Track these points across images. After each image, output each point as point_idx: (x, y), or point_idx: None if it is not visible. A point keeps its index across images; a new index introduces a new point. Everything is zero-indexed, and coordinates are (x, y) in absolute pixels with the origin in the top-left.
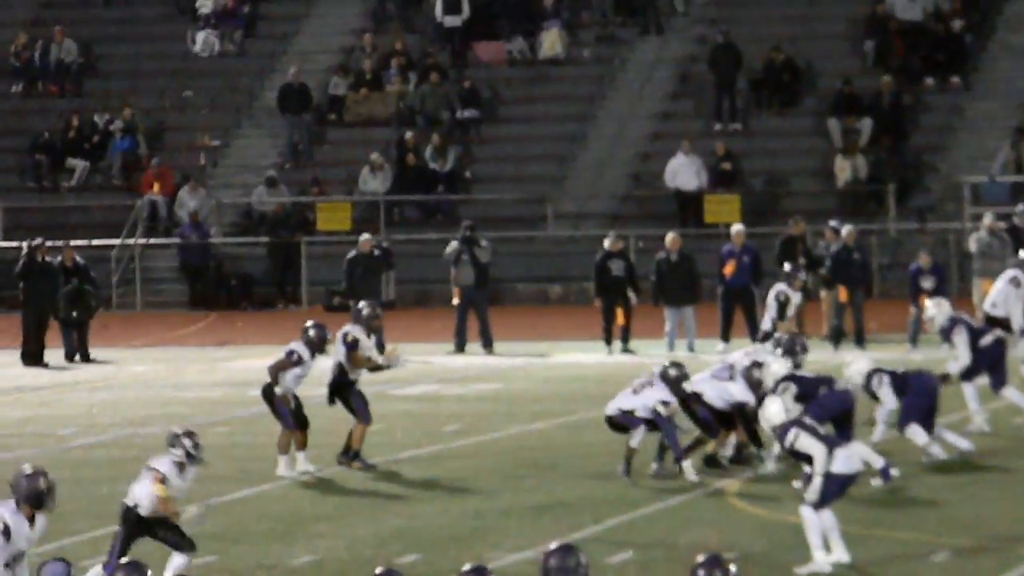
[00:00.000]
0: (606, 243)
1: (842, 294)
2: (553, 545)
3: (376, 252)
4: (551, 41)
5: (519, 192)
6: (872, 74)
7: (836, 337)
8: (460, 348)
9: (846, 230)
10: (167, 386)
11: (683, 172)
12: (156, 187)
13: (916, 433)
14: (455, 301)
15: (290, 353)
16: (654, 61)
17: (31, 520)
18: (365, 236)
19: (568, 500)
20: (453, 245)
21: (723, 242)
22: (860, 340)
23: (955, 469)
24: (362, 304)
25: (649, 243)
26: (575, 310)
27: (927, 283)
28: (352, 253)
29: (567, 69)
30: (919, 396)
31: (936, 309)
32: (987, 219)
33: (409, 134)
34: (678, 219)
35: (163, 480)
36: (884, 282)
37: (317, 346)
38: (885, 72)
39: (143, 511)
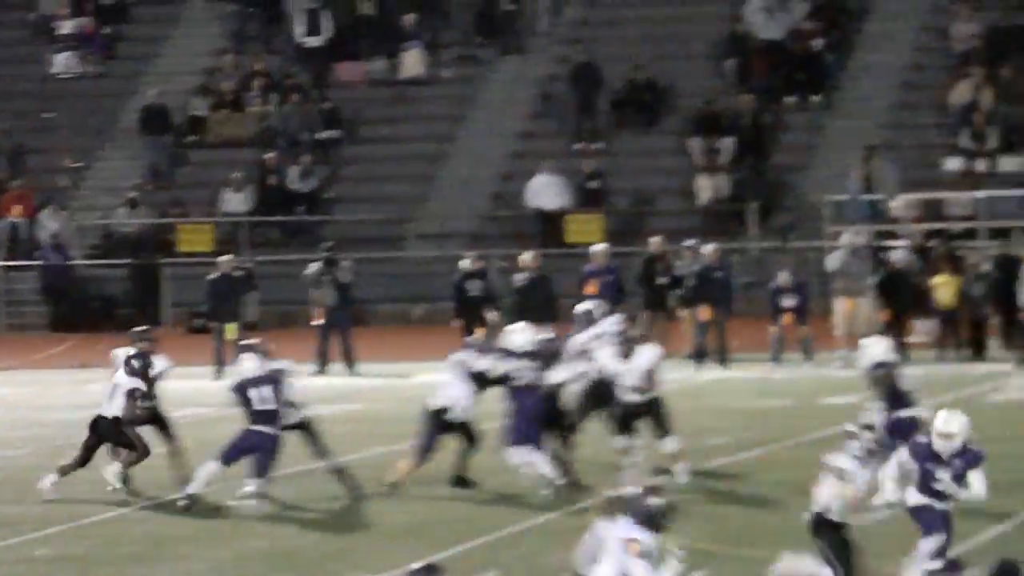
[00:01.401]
0: (463, 263)
1: (704, 313)
2: (415, 565)
3: (238, 273)
4: (412, 61)
5: (381, 212)
6: (733, 93)
7: (699, 356)
8: (322, 369)
9: (708, 249)
10: (30, 408)
11: (545, 192)
12: (17, 209)
13: None
14: (317, 322)
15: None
16: (515, 81)
17: None
18: (227, 257)
19: (431, 520)
20: (314, 266)
21: (586, 261)
22: (723, 359)
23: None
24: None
25: (512, 263)
26: (437, 330)
27: (788, 301)
28: (214, 274)
29: (428, 89)
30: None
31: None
32: (845, 238)
33: (270, 155)
34: (540, 239)
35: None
36: (746, 301)
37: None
38: (746, 91)
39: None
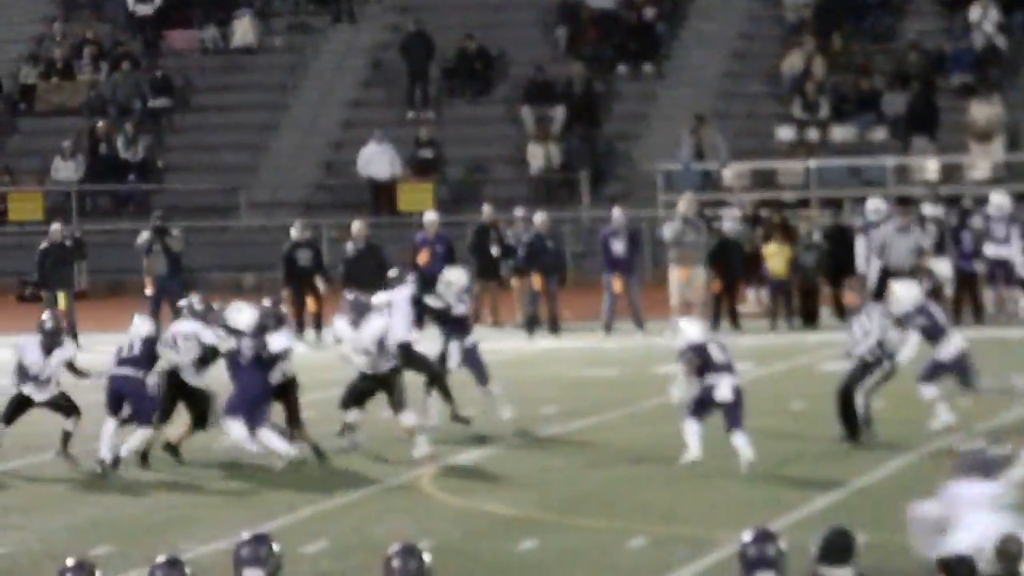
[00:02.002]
0: (293, 233)
1: (536, 282)
2: (246, 535)
3: (68, 242)
4: (243, 30)
5: (212, 181)
6: (564, 62)
7: (531, 325)
8: None
9: (539, 218)
10: None
11: (376, 160)
12: None
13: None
14: (148, 291)
15: None
16: (346, 50)
17: None
18: (56, 226)
19: (262, 490)
20: (145, 235)
21: (417, 230)
22: (555, 328)
23: (649, 459)
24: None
25: (342, 232)
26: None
27: (618, 246)
28: (44, 243)
29: (260, 58)
30: None
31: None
32: (681, 206)
33: (101, 123)
34: (371, 207)
35: None
36: (578, 270)
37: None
38: (577, 60)
39: None
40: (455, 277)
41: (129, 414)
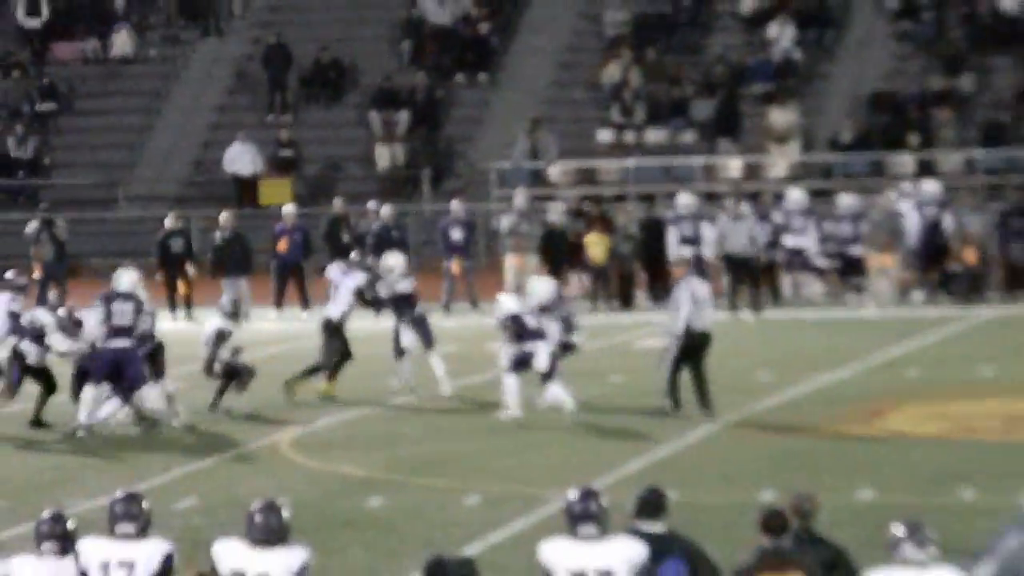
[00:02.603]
0: (167, 223)
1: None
2: (119, 493)
3: None
4: (122, 42)
5: (94, 177)
6: (408, 72)
7: (377, 305)
8: None
9: (386, 210)
10: None
11: (240, 159)
12: None
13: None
14: (36, 275)
15: None
16: (214, 60)
17: None
18: None
19: (139, 451)
20: (33, 224)
21: (277, 221)
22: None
23: (483, 426)
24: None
25: (211, 223)
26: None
27: (457, 234)
28: None
29: (136, 67)
30: None
31: None
32: (517, 200)
33: None
34: (236, 201)
35: None
36: (420, 256)
37: None
38: (420, 70)
39: None
40: (394, 261)
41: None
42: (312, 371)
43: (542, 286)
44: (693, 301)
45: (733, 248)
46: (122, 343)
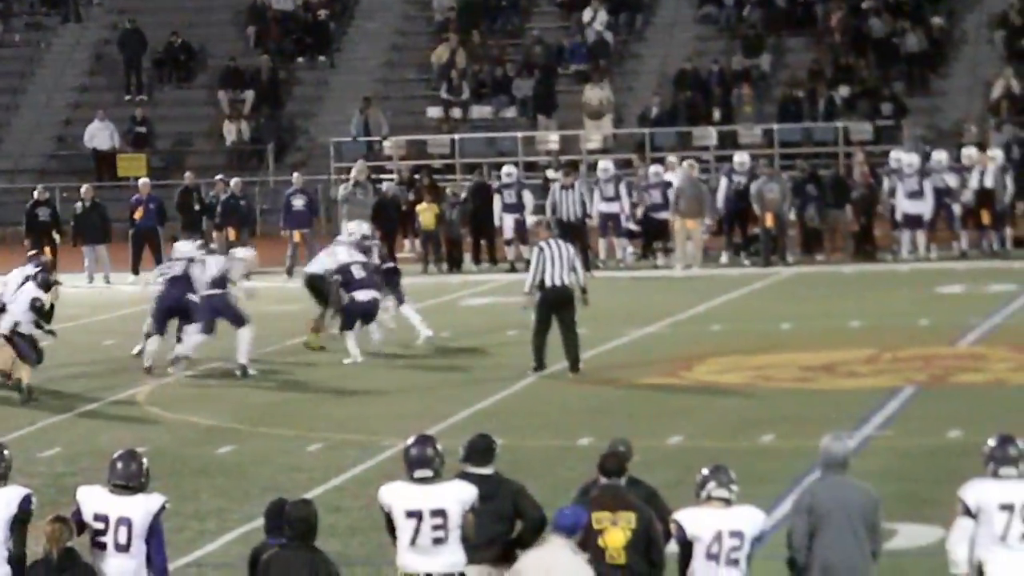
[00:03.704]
0: (35, 194)
1: (230, 234)
2: None
3: None
4: None
5: None
6: (253, 54)
7: None
8: None
9: (234, 182)
10: None
11: (99, 135)
12: None
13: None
14: None
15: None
16: (74, 44)
17: None
18: None
19: (8, 408)
20: None
21: (133, 192)
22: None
23: (322, 378)
24: None
25: (72, 194)
26: (11, 250)
27: (299, 201)
28: None
29: (1, 51)
30: None
31: None
32: (354, 171)
33: None
34: (96, 174)
35: None
36: (265, 224)
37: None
38: (264, 53)
39: None
40: (354, 227)
41: None
42: (321, 318)
43: (354, 226)
44: (548, 261)
45: (565, 214)
46: None
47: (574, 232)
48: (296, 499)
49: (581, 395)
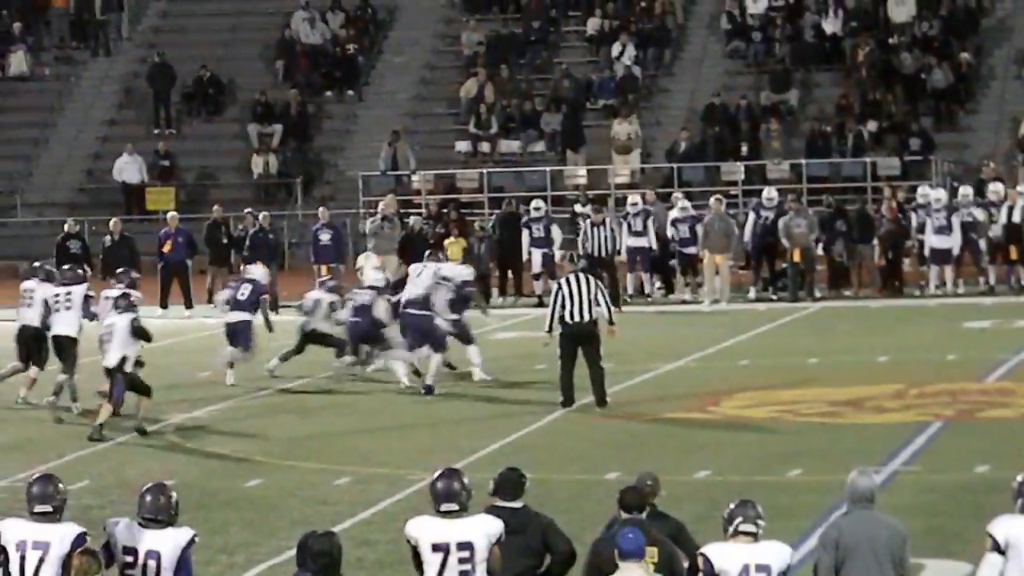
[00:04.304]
0: (66, 227)
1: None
2: (36, 475)
3: None
4: (18, 62)
5: None
6: (282, 88)
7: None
8: None
9: (262, 216)
10: None
11: (128, 169)
12: None
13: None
14: None
15: None
16: (103, 78)
17: None
18: None
19: (35, 438)
20: None
21: (162, 226)
22: (275, 306)
23: (351, 412)
24: None
25: (102, 227)
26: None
27: (325, 236)
28: None
29: (31, 85)
30: None
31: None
32: (382, 205)
33: None
34: (124, 207)
35: None
36: (293, 258)
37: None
38: (293, 86)
39: None
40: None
41: None
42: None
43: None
44: (566, 297)
45: (595, 250)
46: None
47: (605, 268)
48: (321, 533)
49: (608, 430)
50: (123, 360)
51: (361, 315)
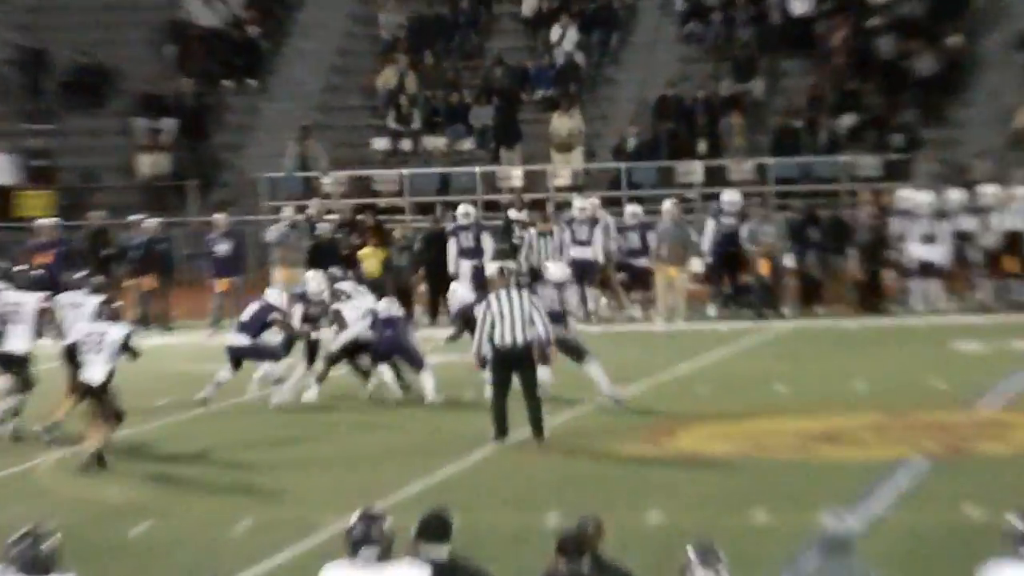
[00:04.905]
0: None
1: (148, 282)
2: None
3: None
4: None
5: None
6: (174, 77)
7: (143, 323)
8: None
9: (151, 223)
10: None
11: None
12: None
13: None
14: None
15: None
16: None
17: None
18: None
19: None
20: None
21: (35, 234)
22: (166, 325)
23: (253, 447)
24: None
25: None
26: None
27: (222, 247)
28: None
29: None
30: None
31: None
32: (285, 212)
33: None
34: None
35: None
36: (188, 271)
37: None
38: (186, 75)
39: None
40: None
41: None
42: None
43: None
44: (497, 316)
45: (538, 262)
46: None
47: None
48: None
49: (548, 466)
50: (111, 374)
51: (390, 327)
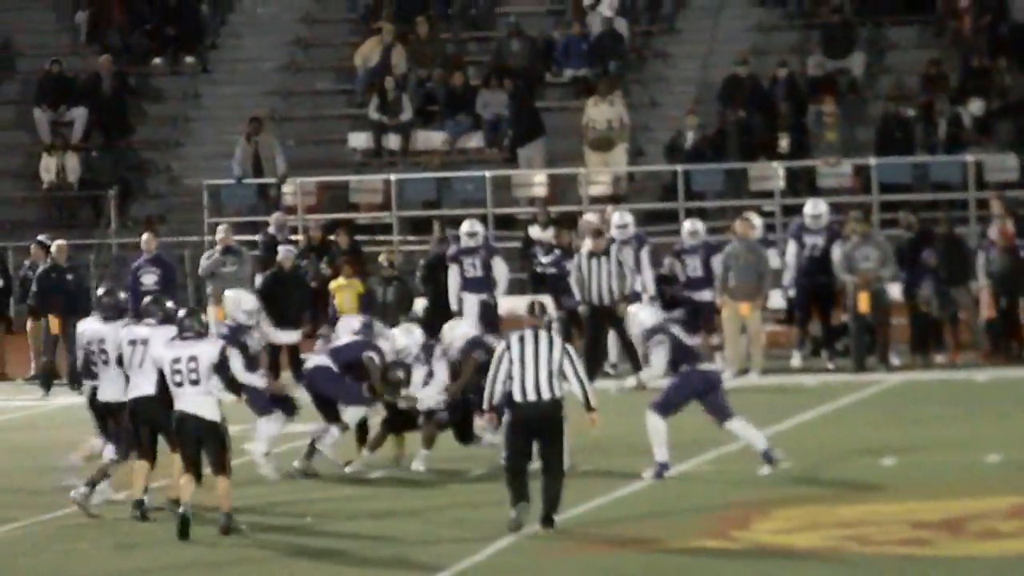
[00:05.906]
0: None
1: (53, 324)
2: None
3: None
4: None
5: None
6: (87, 53)
7: (46, 378)
8: None
9: (56, 246)
10: None
11: None
12: None
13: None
14: None
15: None
16: None
17: None
18: None
19: None
20: None
21: None
22: (75, 381)
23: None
24: None
25: None
26: None
27: (149, 278)
28: None
29: None
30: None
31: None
32: (220, 233)
33: None
34: None
35: None
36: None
37: None
38: (103, 51)
39: None
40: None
41: None
42: None
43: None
44: (515, 364)
45: (596, 295)
46: None
47: (611, 323)
48: None
49: (583, 564)
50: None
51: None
